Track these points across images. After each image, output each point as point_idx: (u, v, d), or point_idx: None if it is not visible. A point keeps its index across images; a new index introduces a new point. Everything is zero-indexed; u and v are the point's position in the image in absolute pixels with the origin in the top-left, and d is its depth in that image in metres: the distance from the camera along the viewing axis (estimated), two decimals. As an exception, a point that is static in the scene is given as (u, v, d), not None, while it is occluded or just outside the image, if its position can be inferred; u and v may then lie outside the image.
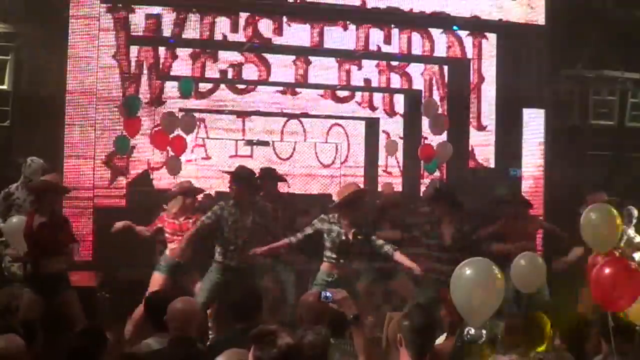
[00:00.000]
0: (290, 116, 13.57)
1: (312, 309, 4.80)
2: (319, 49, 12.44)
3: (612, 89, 13.58)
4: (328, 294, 4.28)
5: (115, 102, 11.23)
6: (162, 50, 12.18)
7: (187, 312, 4.70)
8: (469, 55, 13.08)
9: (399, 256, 7.31)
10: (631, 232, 10.27)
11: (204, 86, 12.80)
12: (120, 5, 11.46)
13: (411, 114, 13.00)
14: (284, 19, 12.22)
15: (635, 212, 10.35)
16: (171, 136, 10.92)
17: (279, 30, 12.24)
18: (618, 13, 13.21)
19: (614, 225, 5.06)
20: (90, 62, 11.28)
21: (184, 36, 11.87)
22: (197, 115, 12.05)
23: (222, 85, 12.95)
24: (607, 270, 4.72)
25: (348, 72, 13.03)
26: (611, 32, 13.07)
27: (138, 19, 11.67)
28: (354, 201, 7.26)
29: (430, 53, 12.93)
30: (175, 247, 7.83)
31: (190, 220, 8.10)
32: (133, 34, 11.60)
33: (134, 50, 11.83)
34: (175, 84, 11.62)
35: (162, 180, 11.98)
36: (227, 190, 11.06)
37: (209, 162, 13.21)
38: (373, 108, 13.83)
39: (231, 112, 13.28)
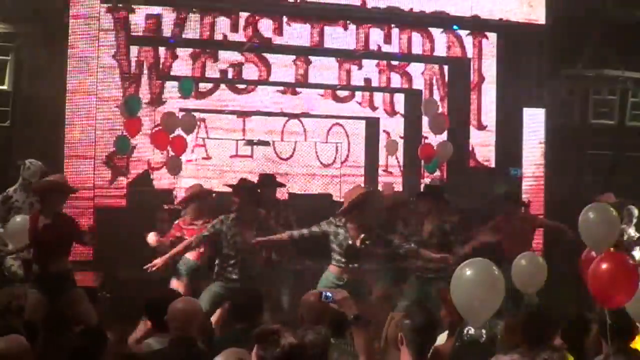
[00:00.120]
0: (291, 116, 13.58)
1: (313, 309, 4.80)
2: (319, 49, 12.44)
3: (612, 89, 13.57)
4: (329, 293, 4.28)
5: (115, 102, 11.24)
6: (162, 50, 12.19)
7: (188, 312, 4.70)
8: (469, 54, 13.08)
9: (424, 251, 7.33)
10: (632, 231, 10.29)
11: (204, 86, 12.81)
12: (120, 5, 11.46)
13: (411, 113, 13.00)
14: (284, 18, 12.22)
15: (635, 212, 10.36)
16: (171, 136, 10.92)
17: (279, 30, 12.24)
18: (618, 12, 13.21)
19: (612, 225, 5.05)
20: (91, 62, 11.29)
21: (184, 36, 11.87)
22: (197, 115, 12.05)
23: (223, 85, 12.95)
24: (604, 266, 4.71)
25: (348, 71, 13.04)
26: (611, 31, 13.05)
27: (138, 19, 11.67)
28: (361, 204, 7.23)
29: (431, 53, 12.94)
30: (159, 261, 7.69)
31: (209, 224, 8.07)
32: (133, 34, 11.60)
33: (134, 50, 11.83)
34: (176, 84, 11.63)
35: (162, 180, 11.99)
36: (227, 190, 11.13)
37: (209, 162, 13.21)
38: (373, 108, 13.83)
39: (231, 112, 13.28)
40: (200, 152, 13.24)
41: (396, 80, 13.34)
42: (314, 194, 13.45)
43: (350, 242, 7.15)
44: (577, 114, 13.53)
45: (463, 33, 13.00)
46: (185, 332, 4.63)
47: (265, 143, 13.55)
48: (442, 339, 5.07)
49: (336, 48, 12.44)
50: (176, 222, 8.45)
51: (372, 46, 12.63)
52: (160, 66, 12.21)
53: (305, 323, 4.66)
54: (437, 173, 12.28)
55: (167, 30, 11.83)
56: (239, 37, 12.07)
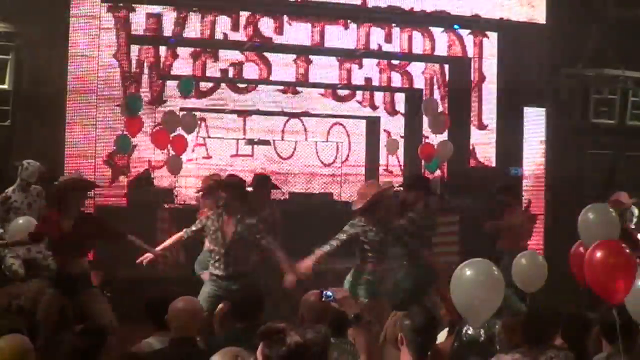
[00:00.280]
0: (291, 115, 13.59)
1: (314, 308, 4.80)
2: (319, 48, 12.45)
3: (613, 88, 13.55)
4: (329, 293, 4.29)
5: (116, 102, 11.24)
6: (162, 49, 12.19)
7: (188, 312, 4.70)
8: (470, 53, 13.09)
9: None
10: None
11: (204, 85, 12.82)
12: (121, 4, 11.47)
13: (412, 112, 13.01)
14: (285, 18, 12.23)
15: (636, 211, 10.35)
16: (172, 135, 10.93)
17: (279, 29, 12.25)
18: (619, 11, 13.19)
19: (612, 225, 5.04)
20: (91, 61, 11.30)
21: (184, 35, 11.88)
22: (197, 114, 12.06)
23: (223, 85, 12.96)
24: (599, 254, 4.70)
25: (349, 71, 13.04)
26: (612, 30, 13.03)
27: (139, 18, 11.68)
28: (379, 202, 7.27)
29: (431, 52, 12.94)
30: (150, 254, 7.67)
31: None
32: (134, 33, 11.61)
33: (134, 49, 11.84)
34: (176, 83, 11.63)
35: (163, 179, 12.00)
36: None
37: (209, 162, 13.21)
38: (374, 107, 13.84)
39: (232, 111, 13.29)
40: (200, 152, 13.25)
41: (397, 80, 13.35)
42: (314, 193, 13.46)
43: (378, 238, 7.18)
44: (577, 114, 13.51)
45: (464, 32, 13.00)
46: (185, 331, 4.63)
47: (266, 142, 13.56)
48: (441, 337, 5.07)
49: (337, 47, 12.45)
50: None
51: (373, 45, 12.64)
52: (161, 65, 12.22)
53: (305, 322, 4.67)
54: (438, 172, 12.29)
55: (167, 29, 11.84)
56: (240, 36, 12.08)
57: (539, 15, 12.98)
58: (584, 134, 13.42)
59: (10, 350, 3.82)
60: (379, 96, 13.83)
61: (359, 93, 13.70)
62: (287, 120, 13.72)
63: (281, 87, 13.17)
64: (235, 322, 5.32)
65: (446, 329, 5.28)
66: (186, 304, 4.77)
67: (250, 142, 13.54)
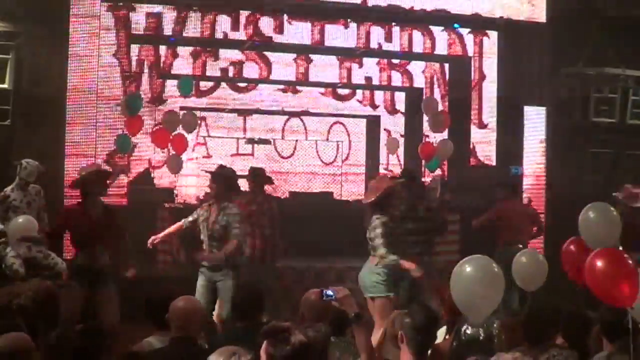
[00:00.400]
0: (291, 114, 13.60)
1: (314, 307, 4.80)
2: (319, 47, 12.44)
3: (613, 87, 13.54)
4: (330, 292, 4.28)
5: (116, 101, 11.24)
6: (162, 48, 12.19)
7: (188, 311, 4.70)
8: (470, 53, 13.07)
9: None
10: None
11: (205, 84, 12.82)
12: (121, 3, 11.47)
13: (412, 111, 13.01)
14: (285, 17, 12.22)
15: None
16: (172, 135, 10.93)
17: (279, 28, 12.24)
18: (619, 10, 13.18)
19: (613, 224, 5.02)
20: (91, 60, 11.29)
21: (184, 34, 11.87)
22: (198, 113, 12.05)
23: (223, 84, 12.96)
24: (599, 263, 4.67)
25: (349, 70, 13.05)
26: (612, 29, 13.02)
27: (139, 18, 11.67)
28: (391, 195, 7.32)
29: (431, 51, 12.93)
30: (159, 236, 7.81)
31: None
32: (134, 32, 11.60)
33: (134, 48, 11.84)
34: (176, 82, 11.63)
35: (163, 178, 12.00)
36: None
37: (210, 161, 13.22)
38: (374, 106, 13.84)
39: (232, 111, 13.30)
40: (201, 151, 13.26)
41: (397, 79, 13.35)
42: (315, 193, 13.47)
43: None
44: (578, 112, 13.50)
45: (464, 31, 12.99)
46: (186, 330, 4.63)
47: (266, 141, 13.56)
48: (440, 335, 5.06)
49: (337, 46, 12.44)
50: None
51: (373, 44, 12.62)
52: (161, 64, 12.23)
53: (306, 321, 4.67)
54: (438, 171, 12.29)
55: (167, 28, 11.83)
56: (240, 35, 12.07)
57: (540, 14, 12.97)
58: (584, 133, 13.41)
59: (12, 349, 3.81)
60: (379, 95, 13.84)
61: (359, 92, 13.70)
62: (288, 120, 13.73)
63: (281, 86, 13.18)
64: (235, 321, 5.32)
65: (443, 328, 5.28)
66: (187, 303, 4.77)
67: (251, 141, 13.55)
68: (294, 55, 12.74)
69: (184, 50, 12.29)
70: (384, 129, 13.80)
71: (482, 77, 13.17)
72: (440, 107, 12.07)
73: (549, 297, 6.44)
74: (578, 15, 12.93)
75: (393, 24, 12.65)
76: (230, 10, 11.94)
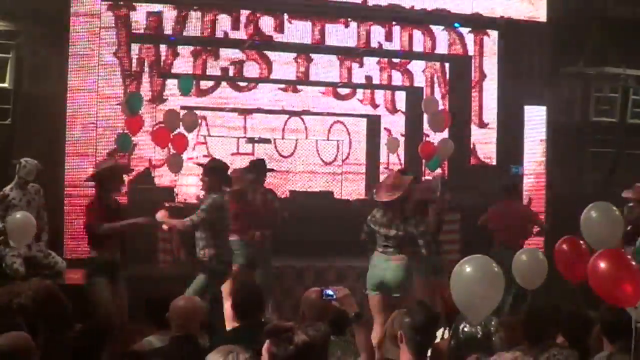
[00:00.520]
0: (292, 114, 13.59)
1: (314, 306, 4.81)
2: (320, 47, 12.44)
3: (613, 86, 13.56)
4: (330, 291, 4.28)
5: (116, 100, 11.24)
6: (163, 47, 12.18)
7: (189, 310, 4.71)
8: (471, 52, 13.07)
9: None
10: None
11: (205, 84, 12.82)
12: (121, 2, 11.46)
13: (412, 111, 13.00)
14: (285, 16, 12.21)
15: (636, 210, 10.33)
16: (172, 134, 10.92)
17: (280, 28, 12.23)
18: (619, 10, 13.20)
19: (615, 223, 5.02)
20: (92, 59, 11.28)
21: (185, 34, 11.87)
22: (198, 112, 12.05)
23: (224, 83, 12.96)
24: (602, 264, 4.66)
25: (349, 69, 13.04)
26: (613, 29, 13.03)
27: (139, 17, 11.66)
28: (409, 194, 7.34)
29: (432, 50, 12.93)
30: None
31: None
32: (134, 31, 11.59)
33: (135, 47, 11.83)
34: (177, 81, 11.63)
35: (163, 178, 12.00)
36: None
37: (210, 160, 13.19)
38: (374, 105, 13.83)
39: (232, 110, 13.30)
40: (201, 150, 13.24)
41: (397, 78, 13.35)
42: (315, 192, 13.46)
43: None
44: (578, 112, 13.53)
45: (464, 30, 12.98)
46: (186, 329, 4.64)
47: (267, 141, 13.55)
48: (438, 335, 5.06)
49: (337, 45, 12.44)
50: None
51: (374, 44, 12.62)
52: (161, 64, 12.22)
53: (306, 320, 4.67)
54: (439, 171, 12.28)
55: (168, 27, 11.82)
56: (240, 34, 12.07)
57: (540, 13, 12.97)
58: (584, 132, 13.43)
59: (13, 349, 3.81)
60: (379, 94, 13.83)
61: (359, 91, 13.70)
62: (288, 119, 13.73)
63: (282, 86, 13.17)
64: (235, 320, 5.32)
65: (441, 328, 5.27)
66: (187, 302, 4.78)
67: (251, 140, 13.54)
68: (295, 55, 12.74)
69: (184, 50, 12.29)
70: (385, 128, 13.80)
71: (483, 76, 13.16)
72: (440, 107, 12.07)
73: (549, 296, 6.44)
74: (578, 14, 12.94)
75: (393, 23, 12.65)
76: (231, 9, 11.94)
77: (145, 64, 12.07)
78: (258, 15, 12.10)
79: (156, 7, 11.73)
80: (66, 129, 11.05)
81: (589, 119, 13.50)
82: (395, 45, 12.76)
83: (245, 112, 13.42)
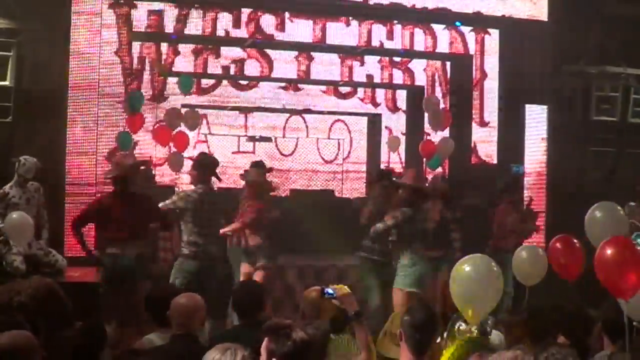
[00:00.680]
0: (293, 112, 13.57)
1: (314, 304, 4.81)
2: (321, 45, 12.43)
3: (614, 85, 13.54)
4: (330, 290, 4.28)
5: (117, 98, 11.23)
6: (164, 46, 12.17)
7: (189, 308, 4.71)
8: (472, 51, 13.07)
9: None
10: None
11: (206, 82, 12.80)
12: (122, 1, 11.46)
13: (413, 110, 12.98)
14: (287, 14, 12.21)
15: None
16: (174, 132, 10.92)
17: (281, 26, 12.23)
18: (621, 9, 13.18)
19: (620, 223, 5.01)
20: (93, 58, 11.29)
21: (186, 32, 11.87)
22: (199, 111, 12.04)
23: (225, 81, 12.94)
24: (609, 251, 4.65)
25: (350, 68, 13.03)
26: (614, 28, 13.03)
27: (140, 15, 11.66)
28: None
29: (433, 49, 12.93)
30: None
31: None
32: (135, 30, 11.59)
33: (136, 46, 11.82)
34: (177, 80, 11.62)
35: (164, 176, 11.99)
36: (229, 185, 11.14)
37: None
38: (375, 104, 13.81)
39: (233, 108, 13.27)
40: (202, 149, 13.22)
41: (398, 77, 13.33)
42: (315, 190, 13.45)
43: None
44: (579, 111, 13.51)
45: (465, 29, 12.98)
46: (187, 328, 4.63)
47: (267, 139, 13.53)
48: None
49: (338, 44, 12.43)
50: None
51: (375, 42, 12.62)
52: (162, 62, 12.20)
53: (306, 318, 4.67)
54: (440, 169, 12.28)
55: (169, 26, 11.82)
56: (241, 33, 12.07)
57: (541, 12, 12.97)
58: (585, 132, 13.41)
59: (15, 347, 3.80)
60: (380, 93, 13.81)
61: (360, 90, 13.68)
62: (289, 117, 13.70)
63: (283, 84, 13.15)
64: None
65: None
66: (188, 300, 4.78)
67: (252, 139, 13.52)
68: (296, 53, 12.72)
69: (185, 48, 12.27)
70: (385, 127, 13.77)
71: (484, 75, 13.16)
72: (441, 105, 12.06)
73: (548, 294, 6.44)
74: (579, 13, 12.92)
75: (395, 22, 12.65)
76: (232, 7, 11.94)
77: (146, 62, 12.06)
78: (259, 13, 12.11)
79: (157, 6, 11.74)
80: (67, 127, 11.06)
81: (589, 118, 13.48)
82: (396, 44, 12.76)
83: (246, 110, 13.39)
